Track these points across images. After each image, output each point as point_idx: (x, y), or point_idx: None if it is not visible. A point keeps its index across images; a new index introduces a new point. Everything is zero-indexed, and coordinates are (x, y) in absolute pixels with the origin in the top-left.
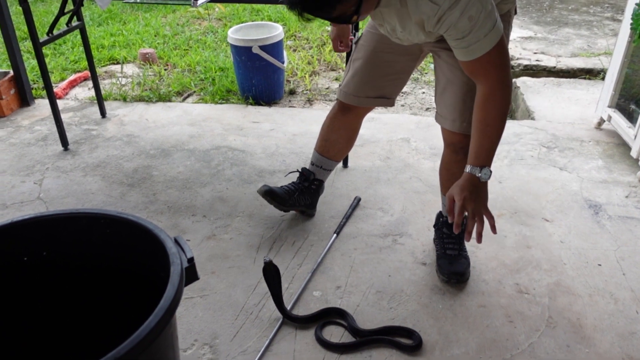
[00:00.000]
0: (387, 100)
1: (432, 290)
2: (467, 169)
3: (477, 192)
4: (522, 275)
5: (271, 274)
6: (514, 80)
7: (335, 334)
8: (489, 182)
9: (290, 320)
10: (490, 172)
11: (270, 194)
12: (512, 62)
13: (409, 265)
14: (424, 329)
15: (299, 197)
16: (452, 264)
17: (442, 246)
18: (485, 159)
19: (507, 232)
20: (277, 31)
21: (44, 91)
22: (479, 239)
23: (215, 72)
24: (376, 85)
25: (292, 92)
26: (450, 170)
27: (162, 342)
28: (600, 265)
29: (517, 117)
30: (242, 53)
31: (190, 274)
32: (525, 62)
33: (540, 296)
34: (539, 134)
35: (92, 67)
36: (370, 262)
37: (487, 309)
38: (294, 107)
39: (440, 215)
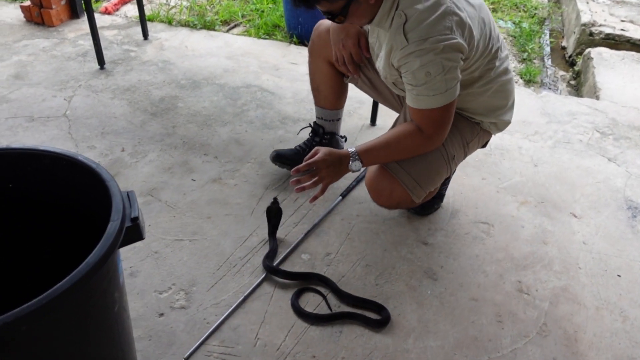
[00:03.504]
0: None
1: (426, 273)
2: (351, 149)
3: (336, 167)
4: (527, 272)
5: (273, 214)
6: (588, 49)
7: (312, 302)
8: (521, 163)
9: (270, 271)
10: (360, 170)
11: (279, 159)
12: (593, 29)
13: (408, 241)
14: (404, 314)
15: None
16: None
17: None
18: (366, 159)
19: (526, 223)
20: None
21: (97, 3)
22: (300, 190)
23: (267, 4)
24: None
25: None
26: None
27: (82, 304)
28: (619, 276)
29: (582, 93)
30: None
31: (133, 234)
32: (608, 31)
33: (541, 299)
34: (596, 116)
35: None
36: (368, 232)
37: (479, 304)
38: None
39: None
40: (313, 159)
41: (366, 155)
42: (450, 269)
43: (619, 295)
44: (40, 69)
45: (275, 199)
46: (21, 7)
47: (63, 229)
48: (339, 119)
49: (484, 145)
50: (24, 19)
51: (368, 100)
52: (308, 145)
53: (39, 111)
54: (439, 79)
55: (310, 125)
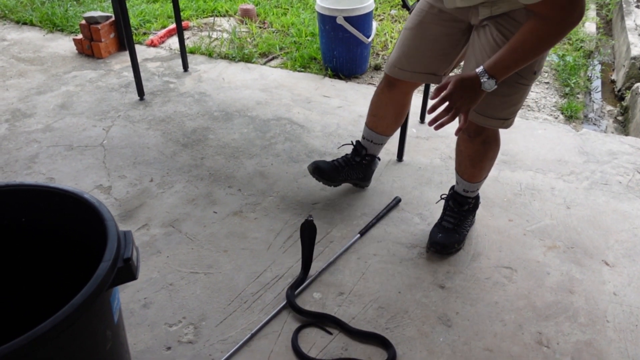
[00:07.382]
0: (434, 77)
1: (439, 319)
2: (478, 69)
3: (470, 93)
4: (550, 324)
5: (307, 231)
6: (636, 84)
7: (318, 344)
8: (553, 205)
9: (290, 305)
10: (495, 85)
11: (317, 172)
12: None
13: (425, 284)
14: None
15: (349, 172)
16: (439, 234)
17: (441, 216)
18: (497, 72)
19: (552, 269)
20: (366, 2)
21: (144, 36)
22: (439, 127)
23: (305, 37)
24: (423, 61)
25: (377, 68)
26: (463, 153)
27: (68, 343)
28: None
29: (629, 130)
30: (327, 22)
31: (124, 274)
32: None
33: (561, 353)
34: (639, 156)
35: (178, 20)
36: (384, 273)
37: (493, 355)
38: (373, 84)
39: (452, 188)
40: (445, 92)
41: (495, 68)
42: (466, 316)
43: None
44: (85, 99)
45: (308, 219)
46: (74, 40)
47: (70, 260)
48: (383, 144)
49: None
50: (76, 51)
51: (395, 135)
52: (347, 162)
53: (78, 140)
54: None
55: (352, 143)
